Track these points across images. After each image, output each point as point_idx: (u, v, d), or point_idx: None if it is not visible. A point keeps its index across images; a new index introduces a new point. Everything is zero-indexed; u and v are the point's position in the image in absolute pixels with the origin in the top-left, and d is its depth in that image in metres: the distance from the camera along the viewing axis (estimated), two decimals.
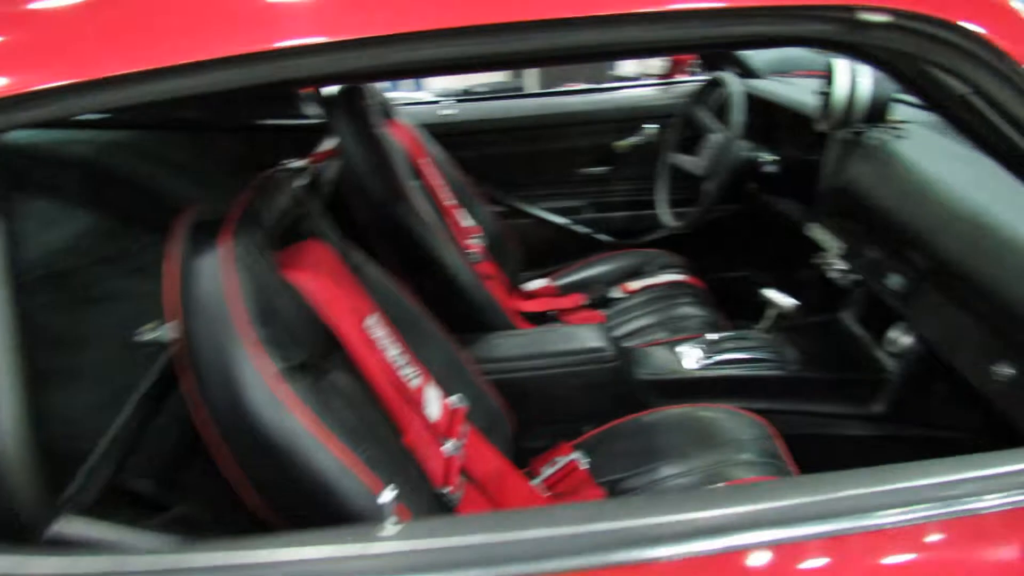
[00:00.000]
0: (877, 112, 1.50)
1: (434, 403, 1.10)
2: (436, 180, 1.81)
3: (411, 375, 1.08)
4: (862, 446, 1.53)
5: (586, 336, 1.55)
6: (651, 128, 2.27)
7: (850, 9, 0.69)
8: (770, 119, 2.00)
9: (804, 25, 0.72)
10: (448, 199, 1.82)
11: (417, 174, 1.74)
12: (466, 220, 1.87)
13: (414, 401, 1.05)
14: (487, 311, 1.60)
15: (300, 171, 1.23)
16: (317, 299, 0.95)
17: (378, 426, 0.95)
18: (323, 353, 0.95)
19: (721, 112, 1.98)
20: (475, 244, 1.81)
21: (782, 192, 1.99)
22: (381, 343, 1.04)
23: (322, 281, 0.99)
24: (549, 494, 1.27)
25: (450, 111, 2.31)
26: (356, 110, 1.54)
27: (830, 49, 0.78)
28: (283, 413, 0.79)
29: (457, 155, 2.02)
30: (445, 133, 2.10)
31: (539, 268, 2.15)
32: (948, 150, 1.41)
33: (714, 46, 1.14)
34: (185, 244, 0.83)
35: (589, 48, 0.73)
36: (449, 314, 1.34)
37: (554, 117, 2.32)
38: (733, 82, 1.91)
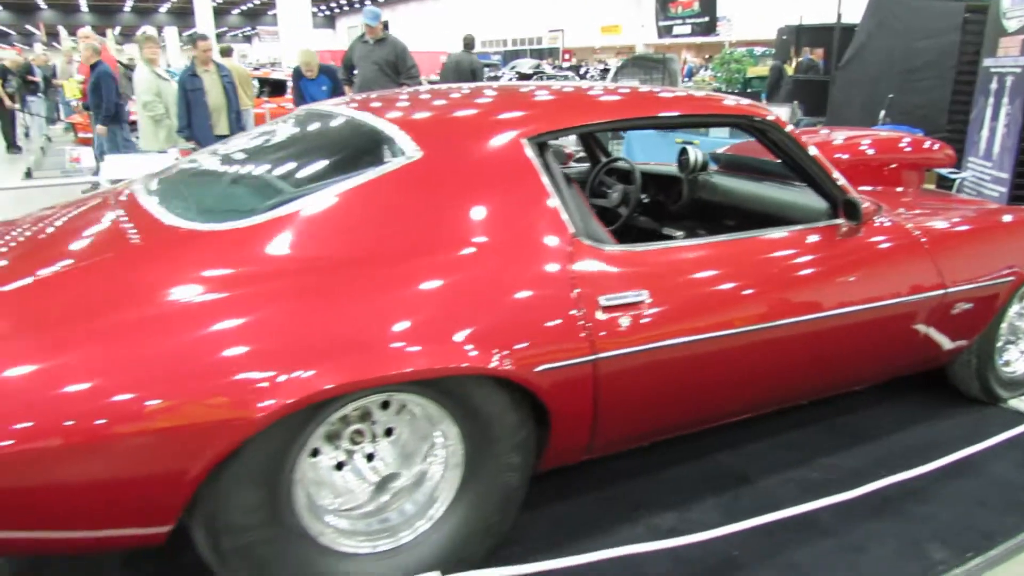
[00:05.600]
0: (704, 166, 3.60)
1: None
2: None
3: None
4: None
5: None
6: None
7: (750, 117, 2.79)
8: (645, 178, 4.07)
9: (733, 119, 2.81)
10: None
11: None
12: None
13: None
14: None
15: None
16: None
17: None
18: None
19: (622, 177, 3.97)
20: None
21: (649, 213, 4.03)
22: None
23: None
24: None
25: None
26: None
27: (742, 129, 2.87)
28: None
29: None
30: None
31: None
32: (736, 177, 3.64)
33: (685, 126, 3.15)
34: None
35: None
36: None
37: None
38: (628, 162, 3.95)
